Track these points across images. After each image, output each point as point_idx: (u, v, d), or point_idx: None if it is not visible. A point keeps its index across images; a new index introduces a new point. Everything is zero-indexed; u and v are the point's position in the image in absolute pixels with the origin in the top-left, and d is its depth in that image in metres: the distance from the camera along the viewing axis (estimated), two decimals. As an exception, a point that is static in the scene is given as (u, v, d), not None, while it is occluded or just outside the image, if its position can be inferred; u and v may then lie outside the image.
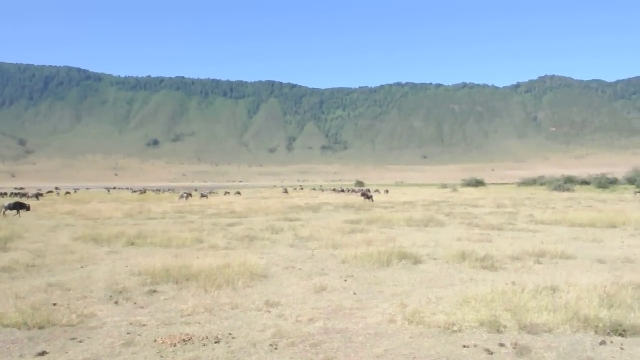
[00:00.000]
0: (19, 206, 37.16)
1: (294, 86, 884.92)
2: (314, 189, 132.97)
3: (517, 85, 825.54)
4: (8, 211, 36.96)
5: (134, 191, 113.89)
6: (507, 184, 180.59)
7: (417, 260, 15.87)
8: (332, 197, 69.86)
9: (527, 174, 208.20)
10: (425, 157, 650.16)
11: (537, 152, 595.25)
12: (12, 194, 79.15)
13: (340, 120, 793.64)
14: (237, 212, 38.26)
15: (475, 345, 8.24)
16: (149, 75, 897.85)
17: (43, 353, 7.98)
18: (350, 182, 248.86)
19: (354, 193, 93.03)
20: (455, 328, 8.95)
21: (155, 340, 8.47)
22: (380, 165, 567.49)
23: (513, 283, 12.27)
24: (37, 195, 71.63)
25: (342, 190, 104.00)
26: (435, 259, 16.49)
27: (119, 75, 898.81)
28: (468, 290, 11.55)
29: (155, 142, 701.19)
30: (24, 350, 8.12)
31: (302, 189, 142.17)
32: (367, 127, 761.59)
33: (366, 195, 54.90)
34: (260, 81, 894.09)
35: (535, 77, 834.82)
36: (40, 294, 11.69)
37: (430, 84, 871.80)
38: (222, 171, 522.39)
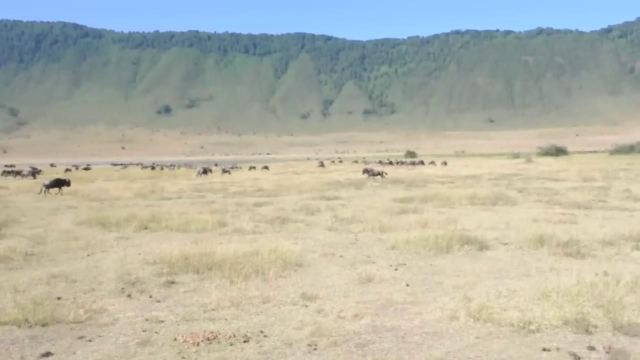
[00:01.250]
0: (60, 183, 39.78)
1: (329, 39, 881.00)
2: (356, 162, 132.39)
3: (609, 30, 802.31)
4: (50, 189, 39.49)
5: (145, 167, 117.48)
6: (596, 152, 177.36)
7: (483, 246, 15.80)
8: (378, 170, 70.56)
9: (622, 139, 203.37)
10: (491, 121, 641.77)
11: (634, 112, 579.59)
12: (3, 172, 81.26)
13: (386, 78, 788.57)
14: (265, 190, 38.85)
15: (558, 349, 8.10)
16: (157, 31, 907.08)
17: (47, 354, 8.20)
18: (399, 153, 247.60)
19: (405, 166, 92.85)
20: (532, 327, 8.86)
21: (175, 339, 8.63)
22: (436, 132, 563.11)
23: (605, 274, 12.12)
24: (34, 173, 73.44)
25: (390, 163, 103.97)
26: (506, 244, 16.38)
27: (122, 32, 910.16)
28: (548, 282, 11.44)
29: (167, 110, 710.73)
30: (25, 351, 8.32)
31: (341, 162, 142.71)
32: (419, 86, 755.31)
33: (370, 171, 52.01)
34: (288, 34, 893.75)
35: (632, 19, 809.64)
36: (42, 287, 12.02)
37: (497, 31, 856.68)
38: (246, 142, 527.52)
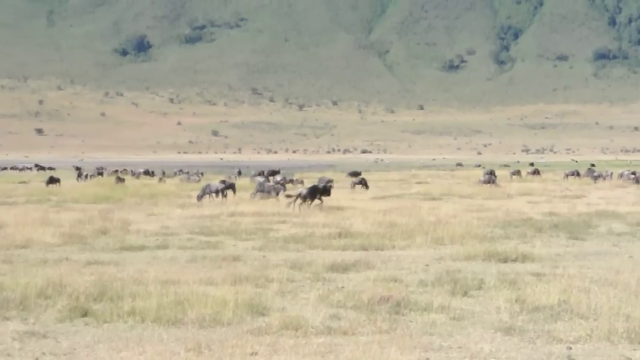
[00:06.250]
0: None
1: None
2: (574, 174, 68.71)
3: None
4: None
5: (82, 174, 70.71)
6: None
7: None
8: (630, 195, 45.33)
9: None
10: None
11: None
12: None
13: None
14: (356, 234, 24.90)
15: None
16: None
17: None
18: None
19: None
20: None
21: None
22: None
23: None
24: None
25: None
26: None
27: None
28: None
29: (141, 46, 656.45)
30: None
31: (536, 173, 74.21)
32: None
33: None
34: None
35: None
36: None
37: None
38: (317, 123, 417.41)
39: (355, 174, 73.67)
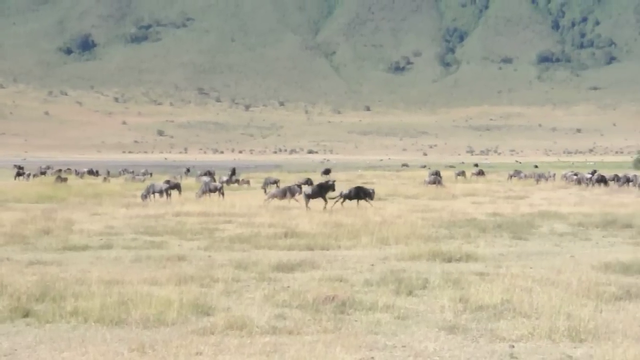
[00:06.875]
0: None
1: None
2: (516, 175, 68.97)
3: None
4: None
5: (23, 173, 69.15)
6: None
7: None
8: (572, 196, 45.91)
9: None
10: None
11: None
12: None
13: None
14: (302, 234, 24.51)
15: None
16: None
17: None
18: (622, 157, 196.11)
19: (635, 187, 52.56)
20: None
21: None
22: None
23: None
24: None
25: (602, 181, 55.89)
26: None
27: None
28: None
29: (85, 44, 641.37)
30: None
31: (481, 173, 74.92)
32: None
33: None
34: None
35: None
36: None
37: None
38: (263, 124, 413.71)
39: (327, 171, 77.70)
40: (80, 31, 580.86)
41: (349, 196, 35.82)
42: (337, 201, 35.62)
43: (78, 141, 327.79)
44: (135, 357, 10.38)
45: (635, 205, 36.38)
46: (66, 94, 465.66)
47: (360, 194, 36.19)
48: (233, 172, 66.67)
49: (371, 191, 37.20)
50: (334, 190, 37.01)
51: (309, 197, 35.79)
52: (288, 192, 38.26)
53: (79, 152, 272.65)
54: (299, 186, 40.92)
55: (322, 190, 36.18)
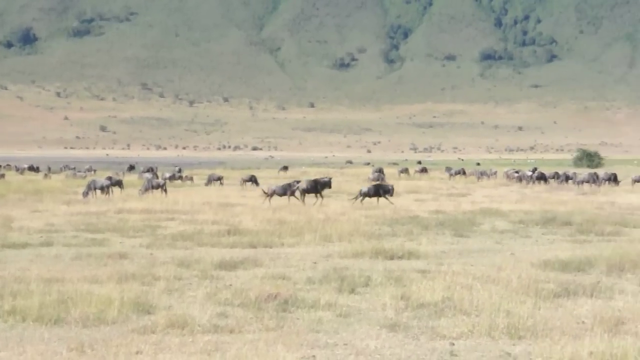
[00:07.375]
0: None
1: None
2: (460, 172, 68.82)
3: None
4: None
5: None
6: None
7: None
8: (513, 193, 46.39)
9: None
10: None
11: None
12: None
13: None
14: (244, 231, 24.16)
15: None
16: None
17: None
18: (556, 155, 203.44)
19: (575, 184, 54.39)
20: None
21: None
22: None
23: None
24: None
25: (543, 179, 57.36)
26: None
27: None
28: None
29: (26, 39, 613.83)
30: None
31: (424, 170, 78.44)
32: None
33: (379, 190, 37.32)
34: None
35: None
36: None
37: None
38: (207, 120, 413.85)
39: (285, 168, 78.70)
40: (21, 24, 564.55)
41: (368, 194, 35.82)
42: (356, 199, 35.71)
43: (18, 136, 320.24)
44: (74, 356, 10.19)
45: (574, 203, 37.18)
46: (6, 89, 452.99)
47: (380, 191, 36.11)
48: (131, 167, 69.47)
49: (390, 188, 36.89)
50: (330, 187, 37.34)
51: (304, 192, 36.17)
52: (288, 189, 38.01)
53: (19, 147, 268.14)
54: (298, 182, 40.13)
55: (317, 186, 36.51)
